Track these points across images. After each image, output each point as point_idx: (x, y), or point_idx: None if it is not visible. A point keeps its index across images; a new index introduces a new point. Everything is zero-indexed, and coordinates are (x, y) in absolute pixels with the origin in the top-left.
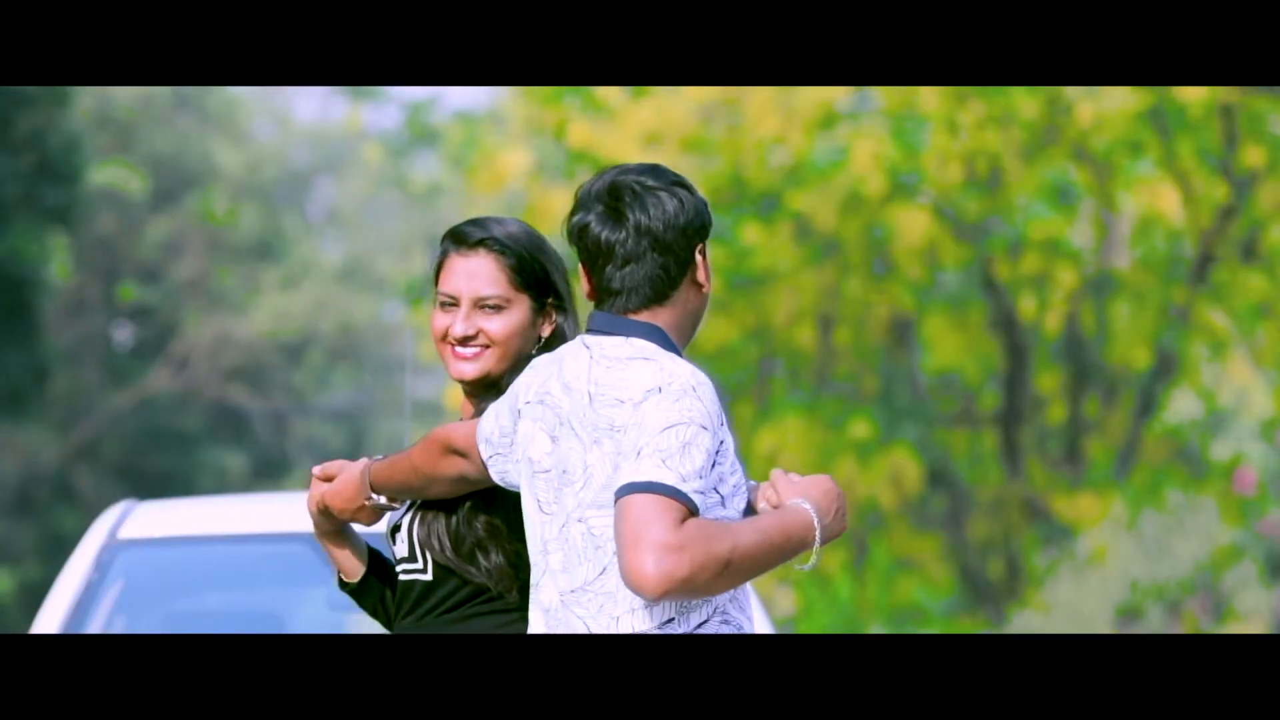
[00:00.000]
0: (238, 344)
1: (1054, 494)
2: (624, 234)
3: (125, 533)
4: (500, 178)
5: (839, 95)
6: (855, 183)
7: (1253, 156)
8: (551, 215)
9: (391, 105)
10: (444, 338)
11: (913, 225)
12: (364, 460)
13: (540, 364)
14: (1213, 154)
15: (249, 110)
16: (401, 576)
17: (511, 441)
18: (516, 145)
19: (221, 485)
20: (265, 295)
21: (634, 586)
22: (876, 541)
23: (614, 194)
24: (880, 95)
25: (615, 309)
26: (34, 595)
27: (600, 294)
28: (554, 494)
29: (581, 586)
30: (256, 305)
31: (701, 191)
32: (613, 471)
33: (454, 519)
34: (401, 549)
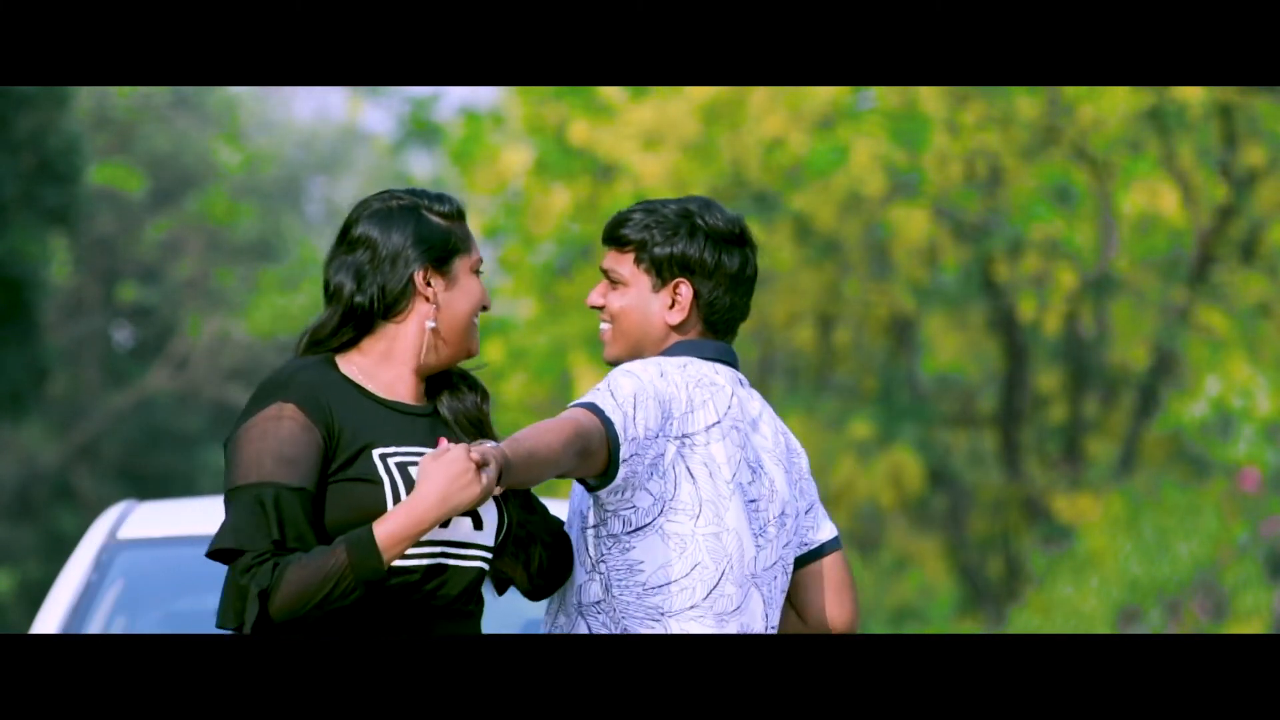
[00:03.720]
0: (237, 344)
1: (1054, 494)
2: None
3: (125, 533)
4: (500, 176)
5: (842, 95)
6: (855, 183)
7: (1252, 156)
8: (551, 214)
9: (393, 101)
10: (483, 308)
11: (913, 225)
12: (469, 447)
13: (678, 377)
14: (1212, 154)
15: (247, 110)
16: (458, 563)
17: (650, 446)
18: (516, 144)
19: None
20: (264, 295)
21: (853, 628)
22: (877, 541)
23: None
24: (880, 95)
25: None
26: (34, 595)
27: (727, 327)
28: (763, 527)
29: (775, 625)
30: (256, 305)
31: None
32: (795, 519)
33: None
34: (487, 536)
